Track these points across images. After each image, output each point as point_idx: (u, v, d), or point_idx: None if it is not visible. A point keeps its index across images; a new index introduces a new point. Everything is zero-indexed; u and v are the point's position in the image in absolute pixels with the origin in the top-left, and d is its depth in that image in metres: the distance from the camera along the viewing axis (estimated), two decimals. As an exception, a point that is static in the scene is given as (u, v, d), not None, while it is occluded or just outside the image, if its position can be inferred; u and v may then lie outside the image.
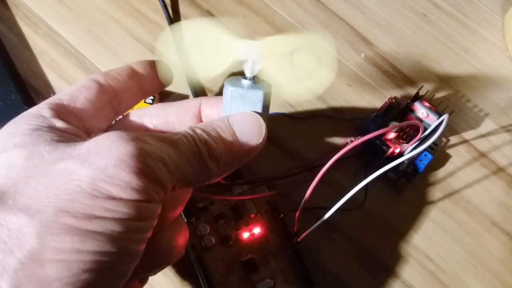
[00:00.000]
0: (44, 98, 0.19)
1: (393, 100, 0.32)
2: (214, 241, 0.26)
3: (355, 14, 0.36)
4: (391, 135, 0.29)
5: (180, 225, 0.21)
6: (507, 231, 0.30)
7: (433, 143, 0.26)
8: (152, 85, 0.21)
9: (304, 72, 0.20)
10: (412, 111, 0.31)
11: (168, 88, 0.26)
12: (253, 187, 0.28)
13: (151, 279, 0.22)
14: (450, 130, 0.33)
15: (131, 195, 0.15)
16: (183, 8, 0.34)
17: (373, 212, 0.30)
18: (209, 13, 0.34)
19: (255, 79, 0.19)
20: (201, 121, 0.21)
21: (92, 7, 0.33)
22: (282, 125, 0.31)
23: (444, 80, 0.34)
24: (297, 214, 0.24)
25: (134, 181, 0.15)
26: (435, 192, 0.31)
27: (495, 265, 0.29)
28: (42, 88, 0.31)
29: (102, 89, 0.19)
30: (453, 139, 0.33)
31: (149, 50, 0.33)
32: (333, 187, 0.30)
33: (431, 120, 0.30)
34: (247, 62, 0.19)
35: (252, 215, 0.27)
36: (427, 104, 0.30)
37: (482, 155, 0.32)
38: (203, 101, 0.21)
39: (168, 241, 0.20)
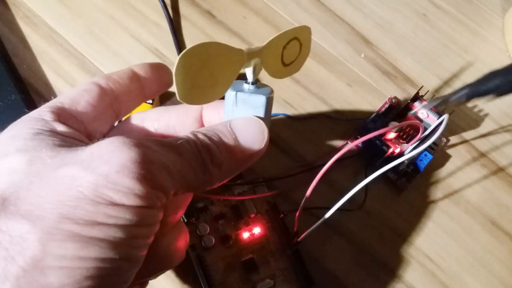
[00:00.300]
0: (46, 100, 0.18)
1: (393, 100, 0.32)
2: (214, 241, 0.26)
3: (355, 14, 0.36)
4: (391, 135, 0.29)
5: (181, 228, 0.21)
6: (507, 231, 0.30)
7: (433, 143, 0.26)
8: (153, 87, 0.21)
9: (290, 58, 0.20)
10: (412, 111, 0.31)
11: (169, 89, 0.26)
12: (253, 187, 0.28)
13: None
14: (450, 130, 0.33)
15: (133, 201, 0.15)
16: (183, 8, 0.34)
17: (373, 212, 0.30)
18: (209, 13, 0.34)
19: (257, 84, 0.19)
20: (202, 125, 0.21)
21: (92, 7, 0.33)
22: (282, 125, 0.32)
23: (444, 80, 0.34)
24: (297, 214, 0.24)
25: (136, 187, 0.15)
26: (435, 192, 0.31)
27: (495, 265, 0.29)
28: (42, 88, 0.31)
29: (103, 92, 0.19)
30: (453, 139, 0.33)
31: (149, 50, 0.33)
32: (333, 187, 0.30)
33: (431, 120, 0.30)
34: (249, 67, 0.18)
35: (252, 215, 0.27)
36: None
37: (482, 155, 0.32)
38: (205, 105, 0.21)
39: (168, 245, 0.20)
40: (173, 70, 0.15)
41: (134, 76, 0.20)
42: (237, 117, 0.19)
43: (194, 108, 0.21)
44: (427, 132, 0.28)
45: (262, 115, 0.19)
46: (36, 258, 0.13)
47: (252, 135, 0.19)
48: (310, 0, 0.36)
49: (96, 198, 0.14)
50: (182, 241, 0.21)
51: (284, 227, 0.27)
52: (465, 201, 0.31)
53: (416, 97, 0.31)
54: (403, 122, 0.28)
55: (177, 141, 0.17)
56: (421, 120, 0.30)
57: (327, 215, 0.23)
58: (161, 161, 0.16)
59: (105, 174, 0.14)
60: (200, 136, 0.18)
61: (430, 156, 0.30)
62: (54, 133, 0.17)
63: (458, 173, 0.32)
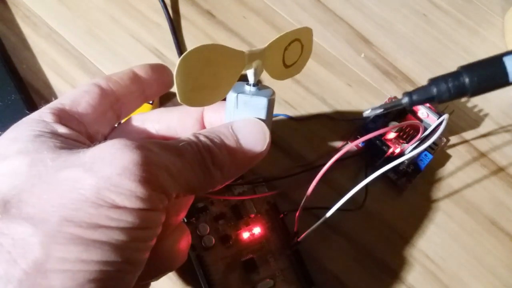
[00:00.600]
0: (46, 101, 0.18)
1: (393, 100, 0.32)
2: (214, 241, 0.26)
3: (355, 14, 0.36)
4: (391, 135, 0.29)
5: (183, 230, 0.21)
6: (507, 231, 0.30)
7: (433, 143, 0.26)
8: (154, 88, 0.21)
9: (291, 59, 0.20)
10: (412, 111, 0.31)
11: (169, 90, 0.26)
12: (253, 187, 0.28)
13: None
14: (450, 130, 0.33)
15: (135, 204, 0.14)
16: (183, 8, 0.34)
17: (373, 212, 0.30)
18: (209, 13, 0.34)
19: (258, 86, 0.19)
20: (203, 126, 0.21)
21: (92, 7, 0.33)
22: (282, 126, 0.32)
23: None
24: (297, 214, 0.24)
25: (138, 189, 0.14)
26: (435, 192, 0.31)
27: (495, 265, 0.29)
28: (42, 88, 0.31)
29: (104, 93, 0.19)
30: (453, 139, 0.33)
31: (149, 50, 0.33)
32: (333, 187, 0.30)
33: (431, 120, 0.30)
34: (250, 68, 0.18)
35: (252, 215, 0.27)
36: (427, 104, 0.30)
37: (482, 155, 0.32)
38: (206, 107, 0.21)
39: (170, 247, 0.20)
40: (174, 72, 0.15)
41: (134, 77, 0.20)
42: (239, 119, 0.19)
43: (195, 110, 0.21)
44: (427, 132, 0.28)
45: (263, 117, 0.19)
46: (38, 261, 0.13)
47: (254, 137, 0.19)
48: (310, 0, 0.36)
49: (98, 201, 0.14)
50: (184, 243, 0.21)
51: (284, 227, 0.27)
52: (465, 201, 0.31)
53: (416, 97, 0.30)
54: (403, 122, 0.28)
55: (179, 143, 0.17)
56: (421, 120, 0.30)
57: (327, 215, 0.23)
58: (163, 163, 0.16)
59: (107, 176, 0.14)
60: (202, 138, 0.18)
61: (430, 156, 0.30)
62: (55, 135, 0.17)
63: (458, 173, 0.32)
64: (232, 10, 0.35)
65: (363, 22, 0.36)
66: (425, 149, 0.28)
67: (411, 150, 0.27)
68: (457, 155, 0.32)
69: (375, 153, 0.29)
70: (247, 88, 0.19)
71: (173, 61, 0.33)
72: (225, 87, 0.18)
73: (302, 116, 0.32)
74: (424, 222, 0.30)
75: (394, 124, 0.29)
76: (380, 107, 0.19)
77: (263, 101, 0.18)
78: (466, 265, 0.29)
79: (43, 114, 0.17)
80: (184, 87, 0.16)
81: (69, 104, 0.18)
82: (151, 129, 0.20)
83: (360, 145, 0.30)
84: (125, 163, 0.15)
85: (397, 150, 0.28)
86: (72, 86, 0.31)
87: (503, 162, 0.32)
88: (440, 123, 0.26)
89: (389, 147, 0.28)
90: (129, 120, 0.21)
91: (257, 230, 0.27)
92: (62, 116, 0.18)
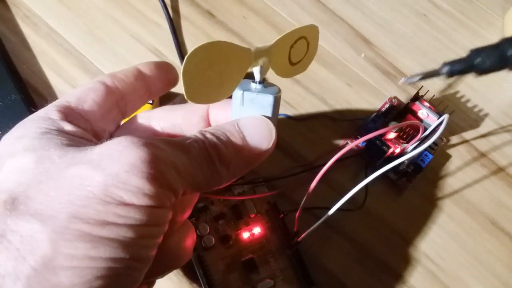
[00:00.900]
0: (46, 101, 0.18)
1: (393, 100, 0.32)
2: (214, 241, 0.26)
3: (355, 14, 0.36)
4: (391, 135, 0.29)
5: (188, 228, 0.21)
6: (507, 231, 0.30)
7: (433, 143, 0.26)
8: (159, 86, 0.21)
9: (297, 57, 0.20)
10: (412, 111, 0.31)
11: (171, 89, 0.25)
12: (253, 187, 0.28)
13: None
14: (450, 130, 0.33)
15: (143, 201, 0.14)
16: (183, 8, 0.34)
17: (373, 212, 0.30)
18: (209, 13, 0.34)
19: (264, 83, 0.19)
20: (208, 124, 0.21)
21: (92, 7, 0.33)
22: (282, 126, 0.32)
23: (444, 80, 0.34)
24: (297, 214, 0.24)
25: (146, 187, 0.14)
26: (435, 192, 0.31)
27: (495, 265, 0.29)
28: (42, 88, 0.31)
29: (109, 91, 0.19)
30: (453, 139, 0.33)
31: (149, 50, 0.33)
32: (333, 187, 0.30)
33: (431, 120, 0.30)
34: (256, 66, 0.18)
35: (252, 215, 0.27)
36: (427, 104, 0.30)
37: (482, 155, 0.32)
38: (211, 104, 0.21)
39: (176, 245, 0.20)
40: (181, 69, 0.15)
41: (139, 75, 0.20)
42: (245, 117, 0.19)
43: (201, 107, 0.21)
44: (427, 132, 0.28)
45: (269, 114, 0.19)
46: (47, 258, 0.13)
47: (260, 135, 0.19)
48: (310, 0, 0.36)
49: (106, 198, 0.14)
50: (190, 240, 0.21)
51: (284, 227, 0.27)
52: (465, 201, 0.31)
53: (416, 97, 0.31)
54: (403, 122, 0.28)
55: (185, 141, 0.17)
56: (421, 120, 0.30)
57: (327, 215, 0.23)
58: (170, 161, 0.16)
59: (114, 173, 0.14)
60: (208, 135, 0.18)
61: (430, 156, 0.30)
62: (61, 132, 0.17)
63: (458, 173, 0.32)
64: (232, 10, 0.35)
65: (363, 22, 0.36)
66: (425, 149, 0.28)
67: (411, 150, 0.27)
68: (457, 155, 0.32)
69: (375, 153, 0.29)
70: (253, 85, 0.19)
71: (173, 61, 0.33)
72: (231, 84, 0.18)
73: (302, 116, 0.32)
74: (424, 222, 0.30)
75: (394, 124, 0.29)
76: (417, 75, 0.19)
77: (269, 99, 0.18)
78: (466, 265, 0.29)
79: (49, 112, 0.17)
80: (190, 84, 0.16)
81: (75, 102, 0.18)
82: (156, 127, 0.20)
83: (360, 145, 0.30)
84: (133, 160, 0.15)
85: (397, 150, 0.28)
86: (72, 86, 0.31)
87: (503, 162, 0.32)
88: (440, 123, 0.26)
89: (389, 147, 0.28)
90: (134, 118, 0.21)
91: (257, 230, 0.27)
92: (68, 114, 0.18)
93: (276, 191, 0.28)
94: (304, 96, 0.33)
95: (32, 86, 0.31)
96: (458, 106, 0.34)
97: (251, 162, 0.19)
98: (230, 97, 0.19)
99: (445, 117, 0.26)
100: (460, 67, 0.18)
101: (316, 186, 0.22)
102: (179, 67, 0.22)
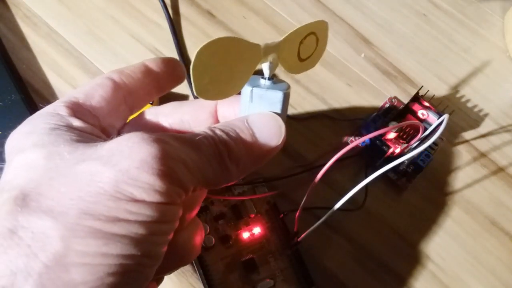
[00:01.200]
0: (48, 101, 0.18)
1: (393, 100, 0.32)
2: (214, 241, 0.26)
3: (355, 14, 0.36)
4: (391, 135, 0.29)
5: (197, 224, 0.21)
6: (507, 231, 0.30)
7: (433, 143, 0.26)
8: (166, 82, 0.21)
9: (306, 53, 0.20)
10: (412, 111, 0.31)
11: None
12: (253, 187, 0.28)
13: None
14: (450, 130, 0.33)
15: (154, 197, 0.14)
16: (183, 8, 0.34)
17: (373, 212, 0.30)
18: (209, 13, 0.34)
19: (273, 79, 0.19)
20: (217, 119, 0.21)
21: (92, 7, 0.33)
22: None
23: (444, 80, 0.34)
24: (297, 214, 0.24)
25: (157, 183, 0.14)
26: (435, 192, 0.31)
27: (495, 265, 0.29)
28: (42, 88, 0.31)
29: (117, 87, 0.19)
30: (453, 139, 0.33)
31: (149, 50, 0.33)
32: (333, 187, 0.30)
33: (431, 120, 0.30)
34: (266, 62, 0.18)
35: (252, 215, 0.27)
36: (427, 104, 0.30)
37: (482, 155, 0.32)
38: (219, 100, 0.21)
39: (186, 241, 0.20)
40: (191, 65, 0.15)
41: (146, 70, 0.20)
42: (254, 113, 0.19)
43: (209, 103, 0.21)
44: (427, 132, 0.28)
45: (279, 111, 0.19)
46: (58, 255, 0.13)
47: (270, 131, 0.18)
48: (310, 0, 0.36)
49: (117, 194, 0.14)
50: (199, 237, 0.21)
51: (284, 227, 0.27)
52: (465, 201, 0.31)
53: (416, 97, 0.31)
54: (403, 122, 0.28)
55: (195, 137, 0.17)
56: (421, 120, 0.30)
57: (327, 215, 0.23)
58: (180, 157, 0.15)
59: (125, 169, 0.14)
60: (218, 132, 0.17)
61: (430, 156, 0.30)
62: (70, 128, 0.17)
63: (458, 173, 0.32)
64: (232, 10, 0.35)
65: (363, 22, 0.36)
66: (425, 149, 0.27)
67: (411, 150, 0.27)
68: (457, 155, 0.32)
69: (375, 153, 0.29)
70: (262, 81, 0.19)
71: (173, 61, 0.33)
72: (241, 81, 0.18)
73: (302, 116, 0.32)
74: (424, 222, 0.30)
75: (394, 124, 0.29)
76: None
77: (278, 95, 0.18)
78: (466, 265, 0.29)
79: (57, 108, 0.17)
80: (200, 80, 0.16)
81: (83, 98, 0.18)
82: (164, 123, 0.20)
83: (360, 145, 0.30)
84: (143, 157, 0.14)
85: (397, 150, 0.28)
86: (72, 86, 0.31)
87: (503, 162, 0.32)
88: (440, 123, 0.26)
89: (389, 147, 0.28)
90: (142, 114, 0.21)
91: (257, 230, 0.27)
92: (76, 110, 0.18)
93: (276, 191, 0.28)
94: (304, 96, 0.33)
95: (32, 86, 0.31)
96: (458, 106, 0.34)
97: (260, 159, 0.19)
98: (239, 93, 0.19)
99: (445, 117, 0.26)
100: None
101: (316, 186, 0.22)
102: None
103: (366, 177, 0.23)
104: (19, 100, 0.29)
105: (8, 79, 0.29)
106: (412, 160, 0.30)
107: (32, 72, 0.31)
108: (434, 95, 0.32)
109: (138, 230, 0.14)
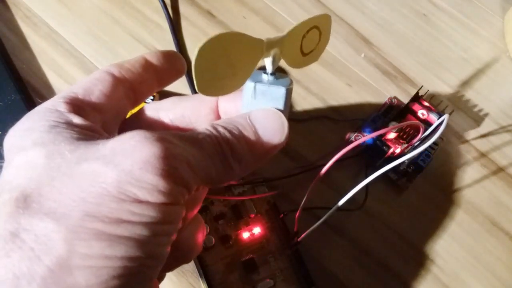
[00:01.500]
0: (47, 100, 0.18)
1: (393, 100, 0.32)
2: (214, 241, 0.26)
3: (355, 14, 0.36)
4: (391, 135, 0.29)
5: (198, 222, 0.21)
6: (507, 231, 0.30)
7: (433, 143, 0.26)
8: (166, 76, 0.21)
9: (309, 47, 0.20)
10: (412, 111, 0.31)
11: (167, 88, 0.25)
12: (253, 187, 0.28)
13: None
14: (450, 130, 0.33)
15: (157, 198, 0.14)
16: (183, 8, 0.34)
17: (373, 212, 0.30)
18: (209, 13, 0.34)
19: (276, 74, 0.19)
20: (218, 115, 0.20)
21: (92, 7, 0.33)
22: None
23: (444, 80, 0.34)
24: (297, 214, 0.24)
25: (160, 183, 0.14)
26: (435, 192, 0.31)
27: (495, 265, 0.29)
28: (42, 88, 0.31)
29: (117, 81, 0.18)
30: (453, 139, 0.33)
31: (149, 50, 0.33)
32: (333, 187, 0.30)
33: (431, 120, 0.30)
34: (268, 57, 0.18)
35: (252, 215, 0.27)
36: (427, 104, 0.30)
37: (482, 155, 0.32)
38: (221, 96, 0.20)
39: (188, 239, 0.20)
40: (193, 61, 0.15)
41: (146, 64, 0.19)
42: (256, 109, 0.18)
43: (210, 99, 0.20)
44: (427, 132, 0.28)
45: (281, 107, 0.18)
46: (62, 258, 0.13)
47: (272, 128, 0.18)
48: (310, 0, 0.36)
49: (120, 195, 0.14)
50: (200, 234, 0.21)
51: (284, 227, 0.27)
52: (465, 201, 0.31)
53: (416, 97, 0.31)
54: (403, 122, 0.28)
55: (198, 135, 0.17)
56: (421, 120, 0.30)
57: (327, 215, 0.23)
58: (183, 156, 0.15)
59: (128, 170, 0.14)
60: (221, 129, 0.17)
61: (430, 156, 0.30)
62: (70, 125, 0.16)
63: (458, 173, 0.32)
64: (232, 10, 0.35)
65: (363, 22, 0.36)
66: (425, 149, 0.27)
67: (411, 150, 0.27)
68: (457, 155, 0.32)
69: (375, 153, 0.29)
70: (265, 77, 0.18)
71: (173, 61, 0.33)
72: (243, 76, 0.18)
73: (302, 117, 0.32)
74: (424, 222, 0.30)
75: (394, 124, 0.29)
76: None
77: (281, 91, 0.18)
78: (466, 265, 0.29)
79: (56, 103, 0.17)
80: (202, 76, 0.16)
81: (82, 93, 0.18)
82: (165, 118, 0.20)
83: (360, 145, 0.30)
84: (146, 156, 0.14)
85: (397, 150, 0.28)
86: (72, 86, 0.31)
87: (503, 162, 0.32)
88: (440, 123, 0.26)
89: (389, 147, 0.28)
90: (142, 109, 0.20)
91: (257, 230, 0.27)
92: (76, 105, 0.17)
93: (276, 191, 0.28)
94: (304, 96, 0.33)
95: (32, 86, 0.31)
96: (458, 106, 0.34)
97: (263, 156, 0.18)
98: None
99: (445, 117, 0.26)
100: None
101: (316, 186, 0.22)
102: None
103: (366, 177, 0.23)
104: (19, 100, 0.29)
105: (8, 79, 0.29)
106: (413, 160, 0.30)
107: (32, 72, 0.31)
108: (434, 95, 0.32)
109: (142, 232, 0.14)
